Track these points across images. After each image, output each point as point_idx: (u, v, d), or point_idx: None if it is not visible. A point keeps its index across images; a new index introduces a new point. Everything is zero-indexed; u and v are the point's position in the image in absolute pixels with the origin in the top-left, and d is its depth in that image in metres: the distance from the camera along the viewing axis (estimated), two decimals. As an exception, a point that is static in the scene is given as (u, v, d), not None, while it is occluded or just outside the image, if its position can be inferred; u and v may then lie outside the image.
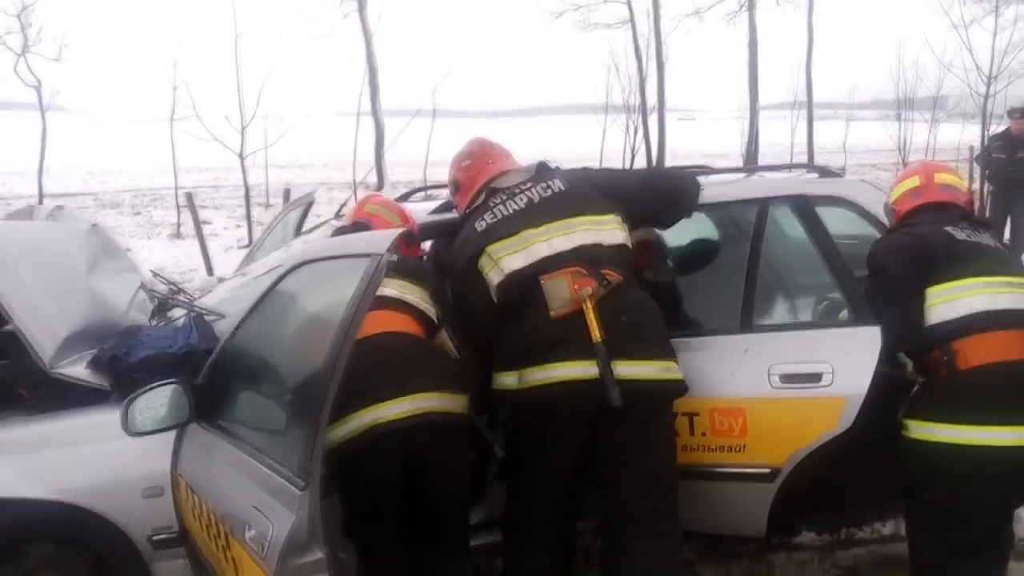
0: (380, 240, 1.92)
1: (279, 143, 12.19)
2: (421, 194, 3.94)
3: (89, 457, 2.57)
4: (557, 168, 2.81)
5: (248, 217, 9.51)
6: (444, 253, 2.98)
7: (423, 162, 15.61)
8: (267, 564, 1.81)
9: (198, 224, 7.74)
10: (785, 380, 2.63)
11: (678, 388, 2.44)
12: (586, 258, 2.40)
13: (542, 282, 2.36)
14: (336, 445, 2.24)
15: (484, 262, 2.51)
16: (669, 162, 18.99)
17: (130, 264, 3.54)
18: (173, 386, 2.40)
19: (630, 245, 2.59)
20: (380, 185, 19.36)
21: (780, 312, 3.15)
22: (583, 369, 2.27)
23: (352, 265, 1.92)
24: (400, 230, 2.09)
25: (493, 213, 2.58)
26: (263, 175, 16.39)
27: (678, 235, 3.41)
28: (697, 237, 3.48)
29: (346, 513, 2.36)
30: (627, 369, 2.30)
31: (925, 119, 21.11)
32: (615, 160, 16.93)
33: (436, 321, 2.59)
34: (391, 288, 2.49)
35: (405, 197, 3.89)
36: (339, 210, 3.76)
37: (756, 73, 19.99)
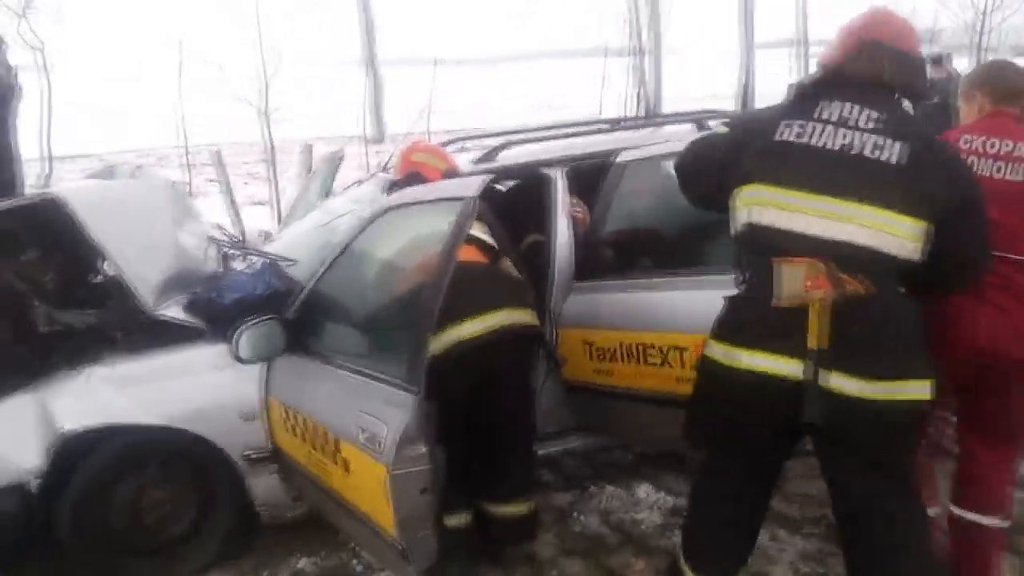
0: (470, 185, 2.26)
1: (287, 98, 12.27)
2: (455, 145, 4.20)
3: (191, 387, 2.95)
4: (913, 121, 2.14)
5: (274, 174, 9.71)
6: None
7: (423, 112, 15.69)
8: (384, 457, 2.20)
9: (228, 182, 7.99)
10: None
11: (911, 409, 2.05)
12: (847, 256, 1.98)
13: (775, 264, 2.01)
14: (447, 347, 2.57)
15: (742, 191, 2.09)
16: (666, 107, 19.10)
17: (199, 217, 3.87)
18: (271, 321, 2.76)
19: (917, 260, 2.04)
20: (380, 137, 19.49)
21: None
22: (790, 367, 2.00)
23: (440, 208, 2.27)
24: (487, 176, 2.40)
25: (802, 130, 2.05)
26: (260, 132, 16.50)
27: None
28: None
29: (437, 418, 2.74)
30: (847, 383, 1.99)
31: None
32: (616, 107, 17.01)
33: (497, 249, 2.92)
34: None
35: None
36: (386, 162, 4.06)
37: (751, 16, 19.96)
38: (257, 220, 8.67)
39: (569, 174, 3.45)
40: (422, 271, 2.35)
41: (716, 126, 2.39)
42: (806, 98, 2.11)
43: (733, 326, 2.15)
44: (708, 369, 2.20)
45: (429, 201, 2.49)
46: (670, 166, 3.37)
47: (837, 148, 2.02)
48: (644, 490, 3.50)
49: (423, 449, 2.20)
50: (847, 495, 2.17)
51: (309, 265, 3.07)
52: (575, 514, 3.39)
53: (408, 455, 2.18)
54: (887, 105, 2.08)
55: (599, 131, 4.21)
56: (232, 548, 3.13)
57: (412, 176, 3.12)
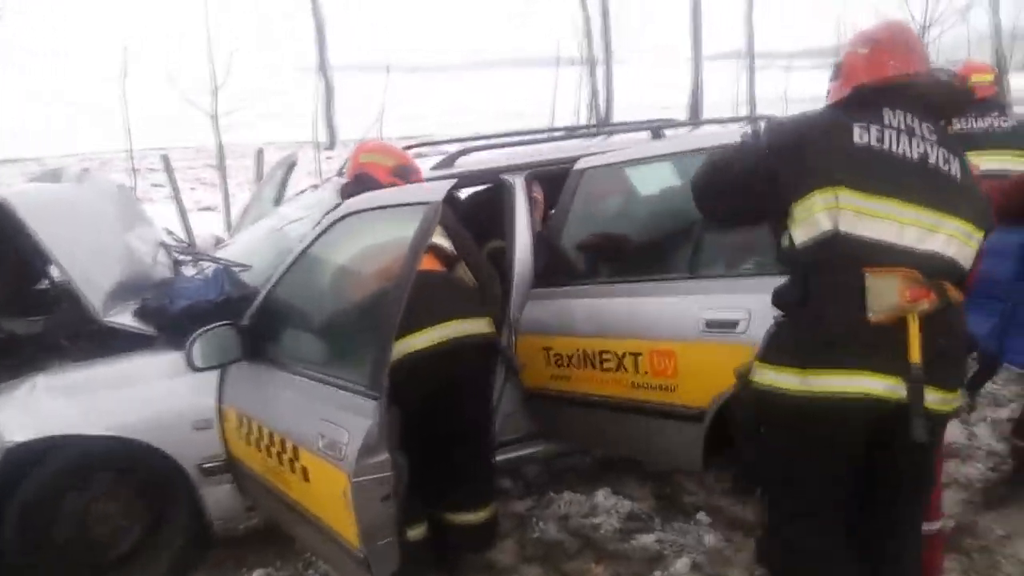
0: (434, 189, 2.25)
1: (238, 103, 12.09)
2: (412, 151, 4.19)
3: (142, 396, 2.87)
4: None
5: (223, 180, 9.54)
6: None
7: (377, 119, 15.58)
8: (346, 464, 2.17)
9: (176, 187, 7.82)
10: (710, 326, 2.81)
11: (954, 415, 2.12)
12: (933, 267, 1.93)
13: (867, 275, 1.89)
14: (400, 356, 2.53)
15: (821, 197, 1.92)
16: (617, 115, 19.34)
17: (150, 222, 3.78)
18: (226, 328, 2.71)
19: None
20: (331, 143, 19.32)
21: (721, 258, 3.15)
22: (889, 386, 1.89)
23: (402, 213, 2.26)
24: (451, 181, 2.39)
25: (881, 135, 1.97)
26: (207, 136, 16.22)
27: (645, 184, 3.77)
28: (663, 186, 3.85)
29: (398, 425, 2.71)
30: (936, 398, 1.94)
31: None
32: (570, 116, 17.15)
33: (454, 255, 2.90)
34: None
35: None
36: (341, 167, 4.02)
37: (700, 26, 20.38)
38: (206, 225, 8.50)
39: (528, 180, 3.46)
40: (384, 276, 2.33)
41: (742, 132, 2.30)
42: (866, 103, 2.00)
43: (808, 348, 1.94)
44: (774, 401, 1.98)
45: (391, 206, 2.48)
46: (629, 172, 3.45)
47: (916, 158, 1.97)
48: (603, 495, 3.52)
49: (385, 456, 2.18)
50: (892, 507, 2.10)
51: (264, 271, 3.02)
52: (534, 520, 3.39)
53: (370, 462, 2.15)
54: (936, 118, 2.07)
55: (556, 138, 4.25)
56: (183, 562, 3.05)
57: (361, 177, 3.07)
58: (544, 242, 3.42)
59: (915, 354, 1.88)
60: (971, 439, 3.95)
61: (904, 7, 16.60)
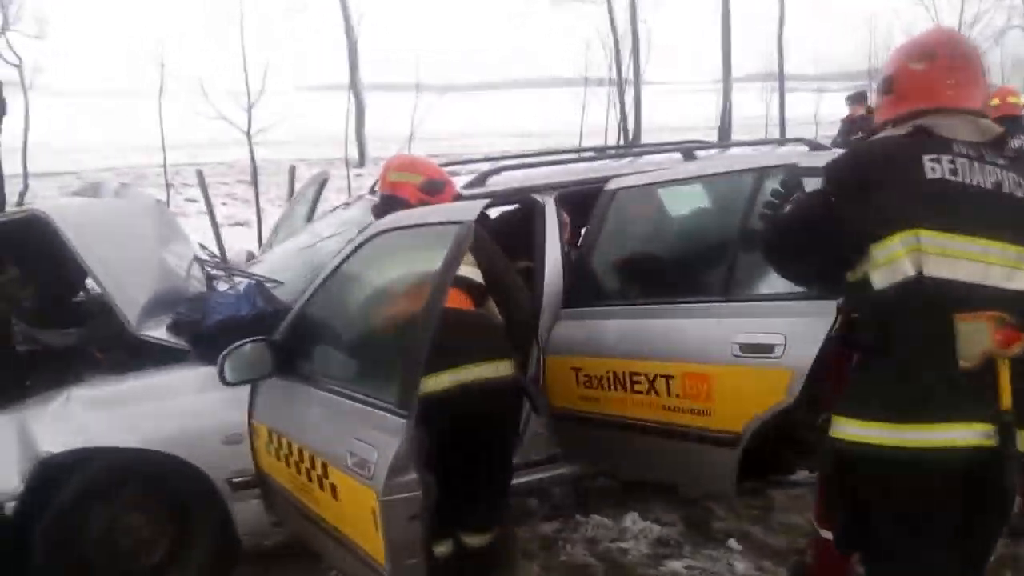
0: (467, 209, 2.24)
1: (271, 119, 12.26)
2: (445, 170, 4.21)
3: (175, 410, 2.89)
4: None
5: (256, 196, 9.66)
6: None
7: (405, 138, 15.73)
8: (374, 483, 2.16)
9: (209, 202, 7.94)
10: (744, 350, 2.77)
11: None
12: (1016, 308, 1.82)
13: (957, 321, 1.79)
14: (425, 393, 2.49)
15: (901, 239, 1.81)
16: (645, 136, 19.34)
17: (184, 237, 3.83)
18: (258, 343, 2.72)
19: None
20: (361, 162, 19.52)
21: (759, 282, 3.07)
22: (983, 434, 1.80)
23: (434, 232, 2.26)
24: (484, 201, 2.37)
25: (954, 166, 1.85)
26: (239, 153, 16.45)
27: (675, 205, 3.74)
28: (696, 207, 3.82)
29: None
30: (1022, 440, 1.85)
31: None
32: (596, 135, 17.19)
33: (483, 289, 2.86)
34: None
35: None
36: (373, 185, 4.04)
37: (729, 49, 20.41)
38: (238, 241, 8.60)
39: (559, 200, 3.46)
40: (415, 296, 2.32)
41: (789, 173, 2.27)
42: (928, 127, 1.88)
43: (898, 400, 1.83)
44: (864, 457, 1.87)
45: (424, 225, 2.48)
46: (662, 193, 3.44)
47: (991, 187, 1.85)
48: (631, 519, 3.48)
49: (414, 475, 2.17)
50: (974, 556, 1.99)
51: (296, 287, 3.04)
52: (561, 543, 3.35)
53: (399, 481, 2.14)
54: (994, 140, 1.94)
55: (587, 158, 4.25)
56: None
57: (389, 198, 3.07)
58: (574, 262, 3.40)
59: (1007, 400, 1.80)
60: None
61: (937, 30, 16.48)
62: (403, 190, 3.08)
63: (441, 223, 2.33)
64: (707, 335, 2.89)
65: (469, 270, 2.85)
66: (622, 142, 17.56)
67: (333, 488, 2.42)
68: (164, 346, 2.97)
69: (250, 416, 2.90)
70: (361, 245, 2.56)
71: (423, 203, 2.98)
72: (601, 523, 3.49)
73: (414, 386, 2.17)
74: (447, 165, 4.25)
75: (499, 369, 2.74)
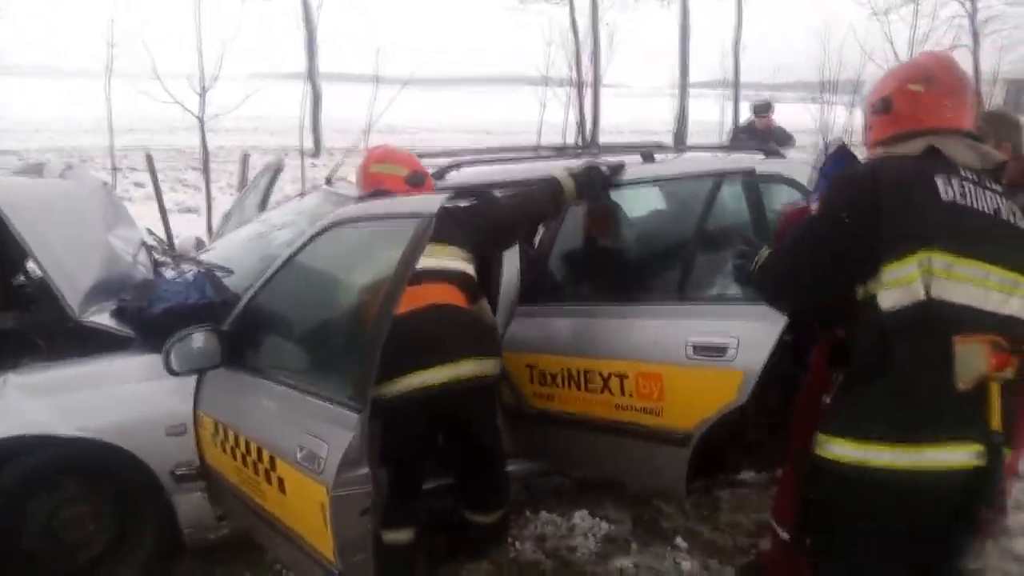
0: (428, 203, 2.21)
1: (225, 105, 11.95)
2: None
3: (117, 398, 2.80)
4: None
5: (207, 183, 9.40)
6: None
7: (361, 129, 15.49)
8: (324, 477, 2.12)
9: (158, 187, 7.71)
10: (697, 351, 2.83)
11: None
12: (1013, 331, 1.86)
13: (956, 344, 1.81)
14: (387, 398, 2.57)
15: (916, 261, 1.82)
16: (603, 137, 19.46)
17: (131, 221, 3.71)
18: (206, 333, 2.65)
19: None
20: (316, 152, 19.23)
21: (710, 284, 3.14)
22: (967, 456, 1.82)
23: (394, 224, 2.23)
24: (446, 194, 2.36)
25: (963, 189, 1.88)
26: (189, 138, 16.02)
27: (633, 206, 3.77)
28: (652, 209, 3.85)
29: (383, 447, 2.71)
30: (1007, 458, 1.91)
31: (844, 103, 22.16)
32: (555, 135, 17.23)
33: (477, 284, 2.93)
34: (432, 259, 2.73)
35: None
36: (329, 176, 3.98)
37: (687, 57, 20.66)
38: (186, 227, 8.38)
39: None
40: (373, 290, 2.29)
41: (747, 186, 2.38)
42: (934, 151, 1.91)
43: (896, 422, 1.84)
44: (857, 478, 1.87)
45: (382, 217, 2.44)
46: (619, 194, 3.45)
47: (991, 212, 1.88)
48: (580, 516, 3.49)
49: (365, 470, 2.14)
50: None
51: (247, 276, 2.98)
52: (511, 540, 3.34)
53: (350, 476, 2.11)
54: (993, 167, 1.97)
55: (547, 157, 4.25)
56: (151, 570, 2.97)
57: (376, 195, 3.01)
58: (530, 260, 3.40)
59: (996, 421, 1.83)
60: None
61: (887, 45, 16.92)
62: (389, 182, 3.04)
63: (400, 216, 2.30)
64: (662, 335, 2.91)
65: (462, 264, 2.88)
66: (580, 142, 17.65)
67: (280, 482, 2.38)
68: (107, 333, 2.87)
69: (196, 406, 2.83)
70: (317, 236, 2.52)
71: (409, 196, 2.97)
72: (551, 520, 3.49)
73: (369, 380, 2.14)
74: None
75: (491, 367, 2.85)
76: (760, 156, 3.72)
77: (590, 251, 3.45)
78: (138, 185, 13.88)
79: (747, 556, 3.22)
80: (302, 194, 3.95)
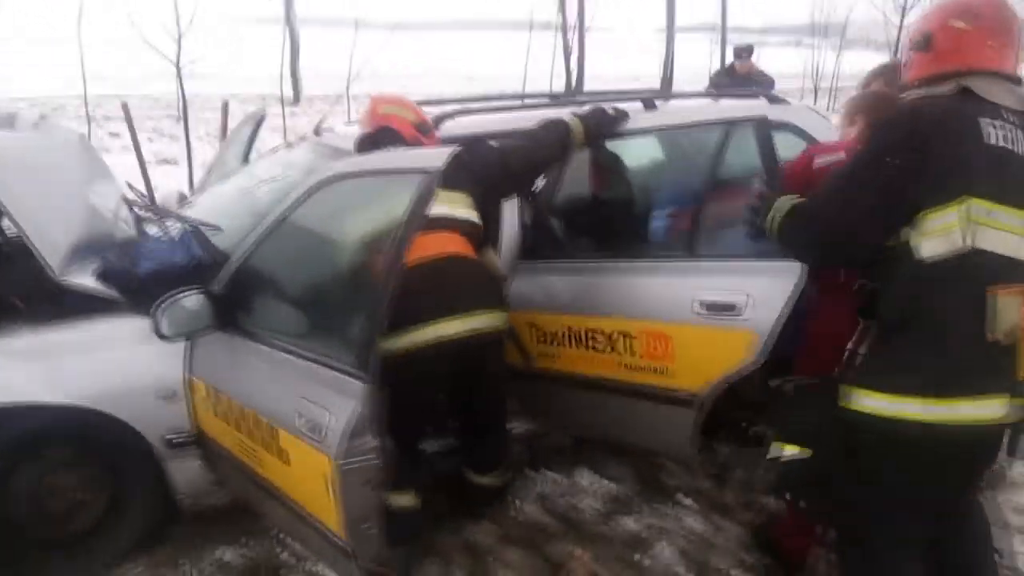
0: (432, 156, 2.07)
1: (201, 51, 11.57)
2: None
3: (104, 363, 2.68)
4: None
5: (186, 132, 9.11)
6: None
7: (343, 76, 15.12)
8: (327, 447, 2.03)
9: (136, 138, 7.45)
10: (707, 309, 2.72)
11: None
12: None
13: (994, 295, 1.75)
14: (397, 352, 2.46)
15: (958, 208, 1.75)
16: (588, 84, 19.11)
17: (110, 175, 3.53)
18: (197, 295, 2.52)
19: None
20: (296, 99, 18.79)
21: (720, 239, 2.99)
22: (998, 409, 1.81)
23: (398, 179, 2.09)
24: (454, 148, 2.21)
25: (1005, 134, 1.80)
26: (166, 86, 15.54)
27: (635, 156, 3.62)
28: (655, 159, 3.71)
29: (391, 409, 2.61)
30: None
31: (832, 46, 21.83)
32: (541, 81, 16.88)
33: (482, 229, 2.81)
34: (443, 205, 2.60)
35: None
36: (317, 126, 3.80)
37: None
38: (166, 180, 8.14)
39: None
40: (376, 249, 2.16)
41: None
42: (977, 92, 1.82)
43: (933, 375, 1.80)
44: (892, 431, 1.83)
45: (386, 171, 2.30)
46: (623, 144, 3.30)
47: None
48: (582, 476, 3.44)
49: (371, 439, 2.04)
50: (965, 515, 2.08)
51: (237, 234, 2.83)
52: (513, 500, 3.29)
53: (357, 447, 2.01)
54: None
55: (544, 105, 4.08)
56: (147, 539, 2.89)
57: (384, 130, 2.88)
58: (531, 214, 3.27)
59: (1022, 371, 1.80)
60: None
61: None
62: (400, 124, 2.91)
63: (406, 170, 2.15)
64: (668, 293, 2.81)
65: (469, 212, 2.76)
66: (568, 89, 17.32)
67: (280, 451, 2.28)
68: (91, 295, 2.73)
69: (188, 371, 2.71)
70: (316, 190, 2.35)
71: (416, 142, 2.87)
72: (553, 479, 3.44)
73: (374, 346, 2.02)
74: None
75: (499, 320, 2.75)
76: (763, 102, 3.59)
77: (592, 204, 3.32)
78: (113, 135, 13.50)
79: (758, 514, 3.19)
80: (289, 145, 3.76)
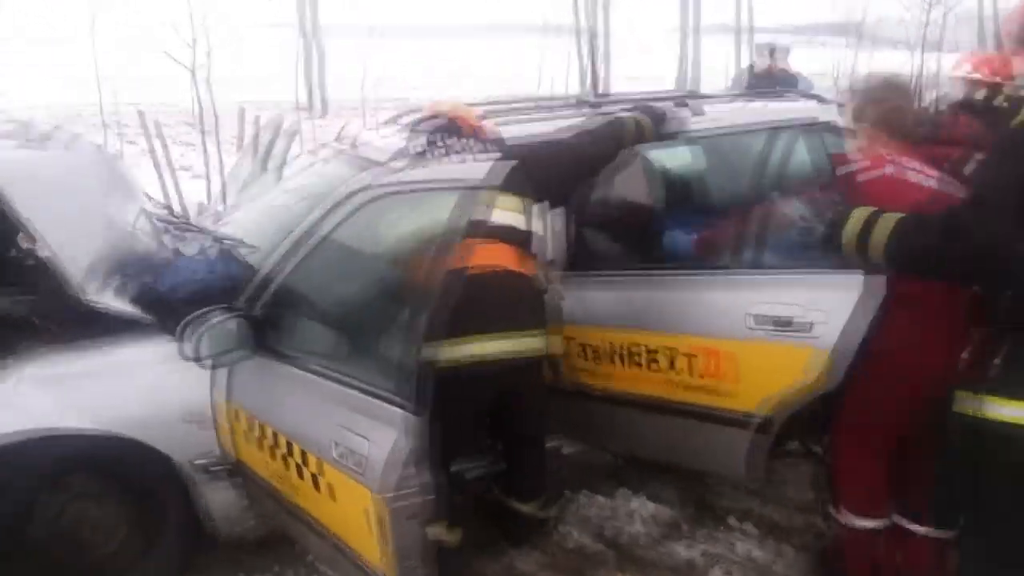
0: (487, 170, 1.92)
1: (218, 56, 11.45)
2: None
3: (131, 387, 2.57)
4: None
5: (203, 141, 8.99)
6: None
7: (368, 83, 14.95)
8: (369, 480, 1.90)
9: (166, 149, 7.34)
10: (760, 323, 2.58)
11: None
12: None
13: None
14: (439, 366, 2.29)
15: None
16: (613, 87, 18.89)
17: (138, 190, 3.42)
18: (231, 316, 2.40)
19: None
20: (324, 110, 18.56)
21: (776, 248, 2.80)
22: None
23: (447, 194, 1.95)
24: (509, 163, 2.06)
25: None
26: (182, 94, 15.47)
27: (675, 163, 3.46)
28: (694, 166, 3.54)
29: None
30: None
31: (849, 45, 21.42)
32: (564, 85, 16.70)
33: (529, 240, 2.64)
34: (500, 212, 2.44)
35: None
36: (339, 133, 3.65)
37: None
38: (185, 188, 8.02)
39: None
40: (426, 270, 2.03)
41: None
42: None
43: None
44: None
45: (431, 185, 2.15)
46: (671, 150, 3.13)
47: None
48: (628, 497, 3.29)
49: (415, 471, 1.91)
50: None
51: (273, 253, 2.71)
52: (556, 524, 3.14)
53: (399, 478, 1.88)
54: None
55: (577, 110, 3.93)
56: (176, 565, 2.78)
57: (448, 122, 2.66)
58: (570, 225, 3.12)
59: None
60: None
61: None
62: (464, 123, 2.71)
63: (455, 186, 2.01)
64: (719, 306, 2.67)
65: (517, 218, 2.57)
66: (589, 92, 17.14)
67: (318, 481, 2.15)
68: (120, 317, 2.62)
69: (220, 395, 2.60)
70: (356, 207, 2.20)
71: (474, 134, 2.66)
72: (594, 500, 3.29)
73: (416, 372, 1.89)
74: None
75: (540, 342, 2.61)
76: (813, 104, 3.44)
77: (645, 211, 3.16)
78: (131, 143, 13.45)
79: (817, 538, 3.02)
80: (325, 158, 3.60)
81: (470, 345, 2.38)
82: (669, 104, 3.18)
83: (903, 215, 1.99)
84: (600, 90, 17.16)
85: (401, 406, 1.94)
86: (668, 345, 2.78)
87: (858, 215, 2.02)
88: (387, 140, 3.16)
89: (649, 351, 2.80)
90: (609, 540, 3.07)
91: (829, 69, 17.38)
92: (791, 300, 2.53)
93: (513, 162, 1.89)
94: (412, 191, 2.19)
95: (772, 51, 8.39)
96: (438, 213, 1.95)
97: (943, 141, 2.74)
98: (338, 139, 3.65)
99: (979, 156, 2.44)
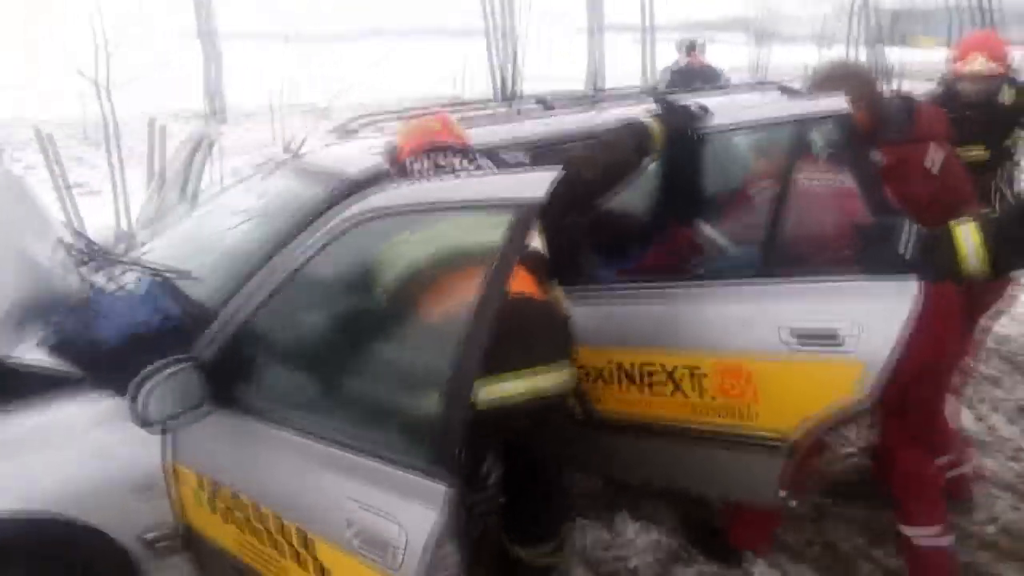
0: (525, 185, 1.56)
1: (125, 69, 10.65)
2: (363, 122, 3.34)
3: (62, 457, 2.14)
4: None
5: (120, 159, 8.21)
6: None
7: (268, 90, 14.29)
8: (400, 572, 1.54)
9: (62, 169, 6.64)
10: (799, 338, 2.33)
11: None
12: None
13: None
14: (481, 404, 1.98)
15: None
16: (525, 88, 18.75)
17: (49, 219, 2.94)
18: (184, 366, 2.00)
19: None
20: (223, 117, 17.76)
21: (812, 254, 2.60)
22: None
23: (474, 216, 1.61)
24: (549, 175, 1.67)
25: None
26: (75, 109, 14.45)
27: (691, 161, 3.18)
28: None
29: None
30: None
31: (749, 41, 21.89)
32: (475, 88, 16.46)
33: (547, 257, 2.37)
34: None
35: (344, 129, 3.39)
36: (290, 145, 3.26)
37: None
38: (93, 215, 7.31)
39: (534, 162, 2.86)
40: (453, 305, 1.68)
41: None
42: None
43: None
44: None
45: (438, 205, 1.76)
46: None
47: None
48: (627, 524, 3.04)
49: (451, 551, 1.57)
50: None
51: (223, 284, 2.33)
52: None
53: (434, 565, 1.53)
54: None
55: (541, 112, 3.65)
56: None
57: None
58: (563, 236, 2.83)
59: None
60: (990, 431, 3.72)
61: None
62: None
63: (485, 205, 1.62)
64: (748, 320, 2.42)
65: (533, 239, 2.30)
66: (497, 95, 16.93)
67: (320, 566, 1.78)
68: (43, 373, 2.19)
69: (169, 457, 2.19)
70: (345, 230, 1.79)
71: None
72: (590, 527, 3.02)
73: (457, 436, 1.53)
74: (365, 117, 3.48)
75: (567, 377, 2.29)
76: (777, 94, 3.28)
77: (646, 220, 2.90)
78: (30, 169, 12.41)
79: (836, 562, 2.83)
80: (264, 171, 3.19)
81: (490, 386, 2.04)
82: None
83: (976, 222, 2.01)
84: (511, 89, 17.02)
85: (441, 479, 1.57)
86: (688, 364, 2.51)
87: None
88: (336, 150, 2.81)
89: (667, 371, 2.53)
90: (611, 570, 2.85)
91: (745, 64, 17.73)
92: (833, 312, 2.29)
93: (559, 169, 1.57)
94: (420, 211, 1.79)
95: (691, 47, 8.43)
96: (453, 237, 1.61)
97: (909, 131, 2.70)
98: (295, 150, 3.24)
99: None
